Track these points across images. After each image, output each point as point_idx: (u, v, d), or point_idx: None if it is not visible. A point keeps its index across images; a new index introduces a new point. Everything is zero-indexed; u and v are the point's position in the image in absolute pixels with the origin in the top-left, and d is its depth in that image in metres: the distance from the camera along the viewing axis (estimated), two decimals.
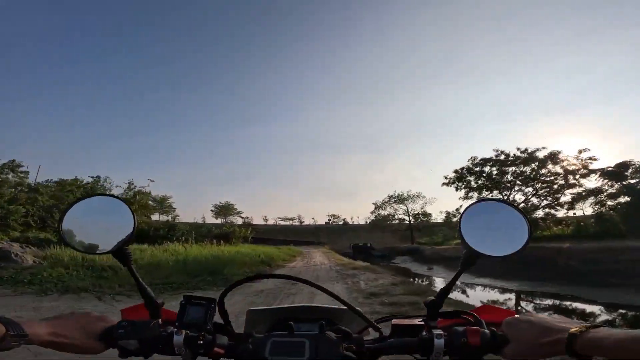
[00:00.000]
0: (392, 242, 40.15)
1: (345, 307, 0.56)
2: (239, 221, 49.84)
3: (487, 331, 0.49)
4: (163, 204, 53.61)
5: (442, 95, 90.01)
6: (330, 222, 57.78)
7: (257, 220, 53.49)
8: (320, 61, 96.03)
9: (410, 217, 42.21)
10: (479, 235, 0.55)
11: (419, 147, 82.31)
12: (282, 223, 54.03)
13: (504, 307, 0.58)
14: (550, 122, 77.38)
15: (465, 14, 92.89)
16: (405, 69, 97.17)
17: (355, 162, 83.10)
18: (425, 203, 41.82)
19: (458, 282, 0.57)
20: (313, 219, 56.74)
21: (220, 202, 52.55)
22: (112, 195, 0.61)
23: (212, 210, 51.63)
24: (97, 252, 0.56)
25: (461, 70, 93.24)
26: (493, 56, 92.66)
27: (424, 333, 0.51)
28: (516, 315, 0.50)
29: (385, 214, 43.19)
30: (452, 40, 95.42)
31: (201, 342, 0.49)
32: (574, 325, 0.42)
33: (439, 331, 0.49)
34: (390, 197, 43.32)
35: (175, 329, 0.49)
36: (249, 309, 0.62)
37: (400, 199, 42.24)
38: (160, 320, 0.52)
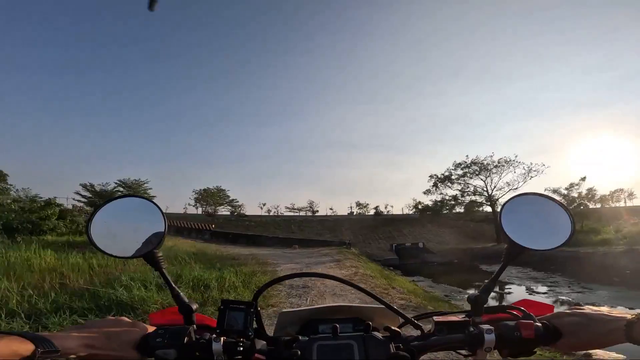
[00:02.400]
0: (456, 240, 29.69)
1: (377, 306, 0.62)
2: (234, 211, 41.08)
3: (540, 324, 0.53)
4: (136, 190, 45.74)
5: (462, 93, 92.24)
6: (355, 212, 47.69)
7: (255, 211, 44.29)
8: (336, 59, 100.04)
9: (495, 199, 29.84)
10: (520, 229, 0.62)
11: (439, 146, 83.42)
12: (288, 214, 44.21)
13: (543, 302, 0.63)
14: (571, 120, 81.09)
15: (484, 10, 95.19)
16: (423, 67, 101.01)
17: (373, 160, 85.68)
18: (529, 173, 28.63)
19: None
20: (331, 209, 47.06)
21: (207, 188, 43.03)
22: (142, 197, 0.64)
23: (191, 197, 42.54)
24: (128, 256, 0.60)
25: (479, 68, 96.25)
26: (512, 54, 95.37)
27: (471, 328, 0.55)
28: (567, 310, 0.55)
29: (443, 197, 32.43)
30: (471, 37, 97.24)
31: (241, 348, 0.52)
32: (630, 314, 0.47)
33: (488, 326, 0.53)
34: (460, 165, 31.16)
35: (214, 335, 0.52)
36: (281, 311, 0.66)
37: (481, 167, 29.78)
38: (195, 325, 0.55)
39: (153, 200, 0.63)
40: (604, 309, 0.52)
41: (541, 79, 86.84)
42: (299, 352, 0.52)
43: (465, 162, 31.27)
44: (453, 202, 32.80)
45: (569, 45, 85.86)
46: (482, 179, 30.82)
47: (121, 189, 53.52)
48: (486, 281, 0.61)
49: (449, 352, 0.56)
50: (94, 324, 0.49)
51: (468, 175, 31.49)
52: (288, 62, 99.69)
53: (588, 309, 0.53)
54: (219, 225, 32.02)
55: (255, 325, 0.56)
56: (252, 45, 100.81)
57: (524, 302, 0.62)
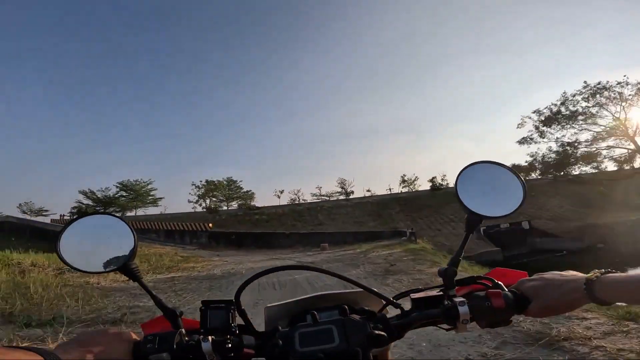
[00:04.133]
0: (571, 211, 20.12)
1: (361, 290, 0.67)
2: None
3: (509, 292, 0.58)
4: (139, 192, 41.64)
5: (485, 67, 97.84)
6: (400, 191, 39.32)
7: (270, 202, 37.18)
8: (350, 47, 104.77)
9: None
10: (476, 198, 0.67)
11: (467, 123, 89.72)
12: (314, 201, 36.72)
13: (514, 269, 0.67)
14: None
15: None
16: (440, 44, 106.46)
17: (398, 145, 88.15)
18: None
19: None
20: (369, 190, 38.92)
21: (211, 180, 36.58)
22: (108, 213, 0.70)
23: (192, 193, 36.16)
24: (102, 270, 0.65)
25: (501, 41, 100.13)
26: (533, 23, 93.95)
27: (446, 302, 0.59)
28: (530, 277, 0.60)
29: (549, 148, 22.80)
30: (489, 9, 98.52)
31: (229, 345, 0.56)
32: (588, 275, 0.51)
33: (461, 298, 0.58)
34: (581, 94, 21.47)
35: (202, 336, 0.56)
36: (266, 306, 0.70)
37: (612, 95, 20.77)
38: (183, 329, 0.59)
39: (118, 216, 0.70)
40: (568, 272, 0.57)
41: (572, 42, 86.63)
42: (281, 342, 0.57)
43: (589, 88, 21.02)
44: (570, 154, 22.62)
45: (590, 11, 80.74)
46: (611, 114, 20.57)
47: (124, 193, 46.32)
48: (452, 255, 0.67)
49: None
50: (87, 335, 0.53)
51: (589, 112, 21.21)
52: (301, 57, 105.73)
53: (550, 273, 0.58)
54: (221, 223, 25.25)
55: (241, 322, 0.63)
56: (266, 40, 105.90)
57: (495, 271, 0.68)
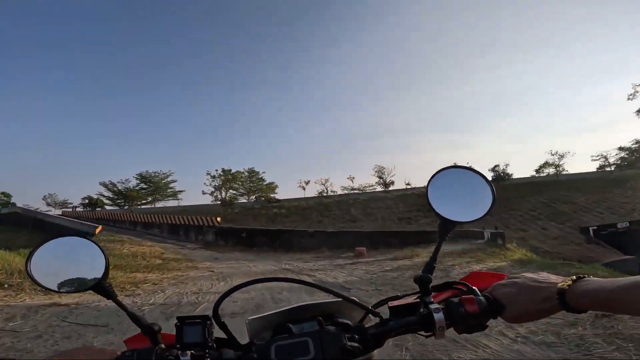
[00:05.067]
0: None
1: (339, 300, 0.67)
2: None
3: (482, 298, 0.58)
4: (158, 184, 41.78)
5: (526, 62, 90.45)
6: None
7: (292, 194, 32.60)
8: (383, 43, 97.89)
9: None
10: (447, 203, 0.68)
11: (510, 120, 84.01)
12: (344, 193, 31.49)
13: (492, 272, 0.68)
14: None
15: None
16: (480, 42, 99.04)
17: (433, 143, 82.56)
18: None
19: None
20: (408, 184, 32.82)
21: (229, 169, 32.76)
22: (79, 236, 0.71)
23: (207, 183, 32.45)
24: (76, 290, 0.67)
25: (541, 38, 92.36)
26: (569, 20, 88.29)
27: (422, 310, 0.60)
28: (502, 281, 0.60)
29: None
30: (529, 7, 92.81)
31: (208, 359, 0.56)
32: (561, 280, 0.51)
33: (436, 305, 0.58)
34: None
35: (180, 352, 0.56)
36: (247, 319, 0.70)
37: None
38: (162, 345, 0.59)
39: (88, 238, 0.71)
40: (542, 275, 0.57)
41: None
42: (256, 355, 0.58)
43: None
44: None
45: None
46: None
47: (144, 185, 43.02)
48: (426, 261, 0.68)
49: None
50: (67, 353, 0.54)
51: None
52: (334, 55, 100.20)
53: (523, 277, 0.58)
54: (232, 218, 21.06)
55: (220, 336, 0.63)
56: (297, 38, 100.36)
57: (471, 275, 0.68)
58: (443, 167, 0.73)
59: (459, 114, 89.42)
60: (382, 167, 30.43)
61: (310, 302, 0.73)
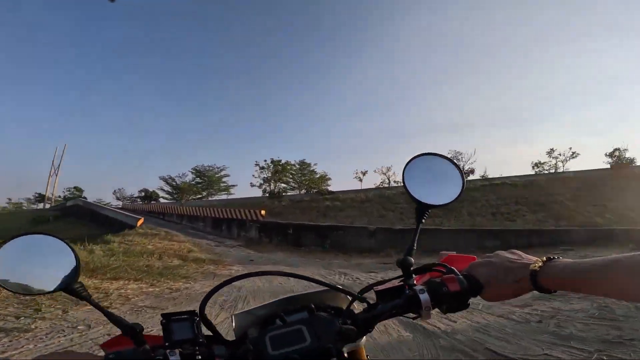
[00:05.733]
0: None
1: (326, 288, 0.69)
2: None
3: (462, 277, 0.61)
4: (212, 178, 42.06)
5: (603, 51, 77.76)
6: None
7: (347, 186, 29.18)
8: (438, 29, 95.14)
9: None
10: (422, 188, 0.74)
11: (583, 111, 73.55)
12: None
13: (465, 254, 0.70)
14: None
15: None
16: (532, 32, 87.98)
17: (496, 138, 76.33)
18: None
19: None
20: (483, 175, 27.33)
21: (278, 159, 30.54)
22: (46, 233, 0.67)
23: (256, 175, 30.49)
24: (45, 292, 0.62)
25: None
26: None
27: (407, 292, 0.62)
28: (479, 260, 0.63)
29: None
30: None
31: (199, 357, 0.54)
32: (534, 261, 0.54)
33: (420, 287, 0.61)
34: None
35: (168, 350, 0.54)
36: (233, 314, 0.70)
37: None
38: (147, 345, 0.56)
39: (57, 235, 0.67)
40: (515, 254, 0.60)
41: None
42: (251, 347, 0.56)
43: None
44: None
45: None
46: None
47: (199, 180, 42.88)
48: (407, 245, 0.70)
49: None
50: (44, 358, 0.52)
51: None
52: (382, 49, 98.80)
53: (497, 256, 0.61)
54: (278, 211, 18.37)
55: (208, 334, 0.61)
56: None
57: (448, 257, 0.70)
58: (418, 153, 0.78)
59: (526, 106, 80.00)
60: (458, 152, 25.29)
61: (296, 294, 0.73)
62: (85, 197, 47.67)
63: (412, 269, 0.66)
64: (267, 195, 26.29)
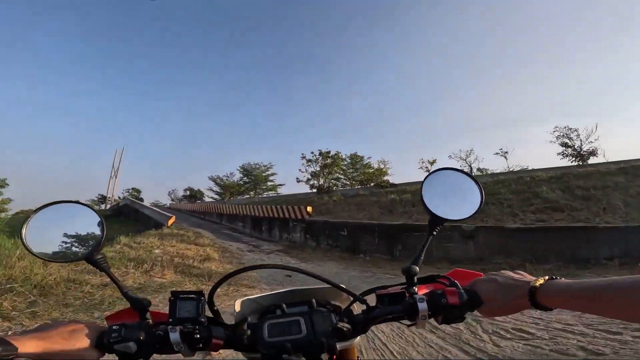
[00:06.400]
0: None
1: (327, 286, 0.70)
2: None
3: (463, 291, 0.63)
4: (259, 176, 40.04)
5: None
6: None
7: (411, 176, 24.57)
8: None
9: None
10: (439, 202, 0.75)
11: None
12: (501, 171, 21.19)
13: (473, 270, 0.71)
14: None
15: None
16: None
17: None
18: None
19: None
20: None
21: (327, 151, 27.18)
22: (77, 202, 0.69)
23: (300, 170, 27.41)
24: (69, 259, 0.66)
25: None
26: None
27: (407, 299, 0.64)
28: (482, 277, 0.66)
29: None
30: None
31: (197, 335, 0.58)
32: (534, 279, 0.57)
33: (420, 295, 0.63)
34: None
35: (170, 326, 0.57)
36: (237, 300, 0.71)
37: None
38: (150, 320, 0.61)
39: (87, 204, 0.70)
40: (519, 274, 0.62)
41: None
42: (249, 332, 0.60)
43: None
44: None
45: None
46: None
47: (246, 180, 41.19)
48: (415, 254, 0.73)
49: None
50: (49, 327, 0.54)
51: None
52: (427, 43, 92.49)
53: (501, 275, 0.63)
54: (328, 209, 14.79)
55: (210, 315, 0.65)
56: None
57: (454, 272, 0.72)
58: (438, 168, 0.81)
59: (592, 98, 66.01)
60: (571, 128, 17.66)
61: (300, 287, 0.76)
62: (142, 198, 49.11)
63: (415, 277, 0.68)
64: (316, 190, 22.84)
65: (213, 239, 13.56)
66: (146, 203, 43.81)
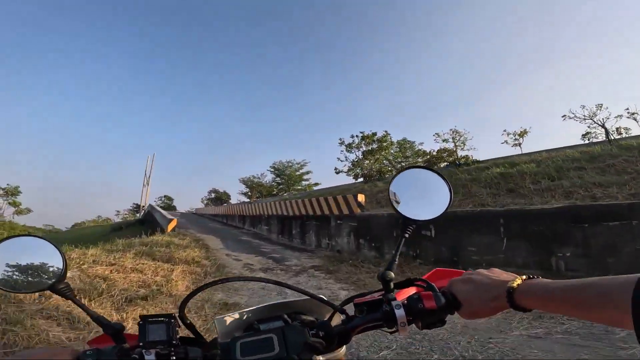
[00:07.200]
0: None
1: (307, 298, 0.70)
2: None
3: (440, 294, 0.61)
4: (292, 174, 35.61)
5: None
6: None
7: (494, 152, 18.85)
8: None
9: None
10: (408, 202, 0.73)
11: None
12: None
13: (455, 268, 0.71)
14: None
15: None
16: None
17: None
18: None
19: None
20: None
21: (373, 133, 21.86)
22: (35, 235, 0.72)
23: (339, 158, 22.54)
24: (32, 289, 0.68)
25: None
26: None
27: (385, 306, 0.62)
28: (458, 277, 0.63)
29: None
30: None
31: (174, 358, 0.57)
32: (511, 279, 0.55)
33: (398, 302, 0.61)
34: None
35: (144, 350, 0.56)
36: (215, 318, 0.70)
37: None
38: (126, 344, 0.59)
39: (46, 237, 0.71)
40: (495, 273, 0.60)
41: None
42: (220, 353, 0.59)
43: None
44: None
45: None
46: None
47: (278, 180, 35.91)
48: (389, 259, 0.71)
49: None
50: (25, 355, 0.54)
51: None
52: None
53: (477, 274, 0.60)
54: (385, 197, 9.16)
55: (191, 336, 0.66)
56: None
57: (434, 272, 0.72)
58: (406, 166, 0.77)
59: None
60: None
61: (278, 301, 0.74)
62: (174, 206, 47.09)
63: (392, 283, 0.66)
64: (362, 179, 17.76)
65: (216, 250, 9.10)
66: (180, 210, 41.57)
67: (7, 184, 35.03)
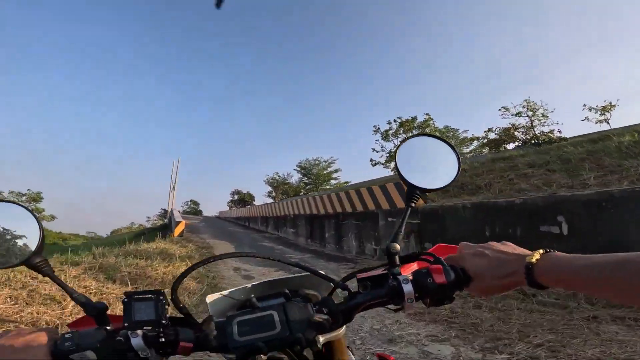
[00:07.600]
0: None
1: (307, 273, 0.66)
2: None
3: (450, 269, 0.57)
4: (320, 173, 33.58)
5: None
6: None
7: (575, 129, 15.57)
8: None
9: None
10: (415, 171, 0.70)
11: None
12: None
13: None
14: None
15: None
16: None
17: None
18: None
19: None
20: None
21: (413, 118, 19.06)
22: (11, 201, 0.64)
23: (375, 149, 19.86)
24: (3, 265, 0.60)
25: None
26: None
27: (391, 281, 0.58)
28: (470, 250, 0.58)
29: None
30: None
31: (163, 339, 0.52)
32: (528, 254, 0.50)
33: (405, 276, 0.57)
34: None
35: (130, 331, 0.51)
36: (207, 297, 0.67)
37: None
38: (109, 326, 0.54)
39: (22, 204, 0.63)
40: (508, 246, 0.55)
41: None
42: (215, 332, 0.54)
43: None
44: None
45: None
46: None
47: (305, 180, 38.45)
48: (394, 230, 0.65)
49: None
50: (2, 335, 0.51)
51: None
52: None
53: (490, 248, 0.56)
54: (467, 185, 6.63)
55: (178, 314, 0.59)
56: None
57: (437, 247, 0.70)
58: (412, 135, 0.75)
59: None
60: None
61: (275, 278, 0.71)
62: (200, 210, 46.31)
63: (397, 257, 0.62)
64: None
65: (222, 261, 6.92)
66: (205, 214, 40.55)
67: (28, 190, 35.27)
